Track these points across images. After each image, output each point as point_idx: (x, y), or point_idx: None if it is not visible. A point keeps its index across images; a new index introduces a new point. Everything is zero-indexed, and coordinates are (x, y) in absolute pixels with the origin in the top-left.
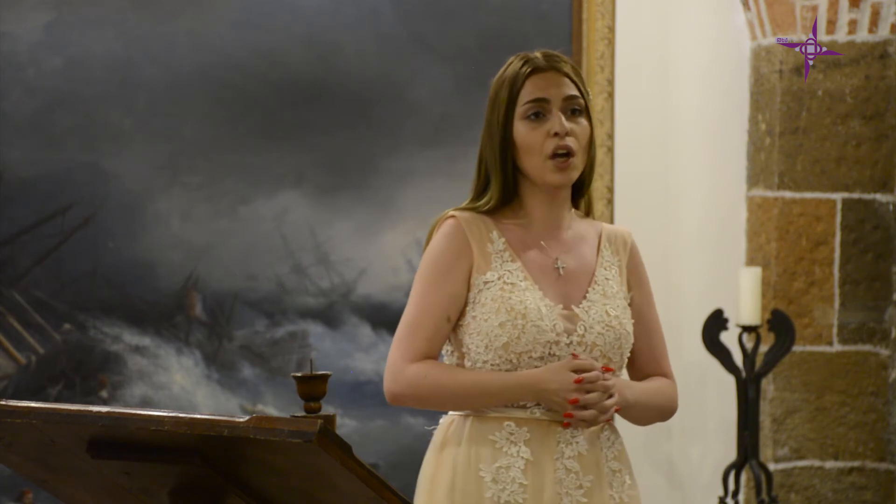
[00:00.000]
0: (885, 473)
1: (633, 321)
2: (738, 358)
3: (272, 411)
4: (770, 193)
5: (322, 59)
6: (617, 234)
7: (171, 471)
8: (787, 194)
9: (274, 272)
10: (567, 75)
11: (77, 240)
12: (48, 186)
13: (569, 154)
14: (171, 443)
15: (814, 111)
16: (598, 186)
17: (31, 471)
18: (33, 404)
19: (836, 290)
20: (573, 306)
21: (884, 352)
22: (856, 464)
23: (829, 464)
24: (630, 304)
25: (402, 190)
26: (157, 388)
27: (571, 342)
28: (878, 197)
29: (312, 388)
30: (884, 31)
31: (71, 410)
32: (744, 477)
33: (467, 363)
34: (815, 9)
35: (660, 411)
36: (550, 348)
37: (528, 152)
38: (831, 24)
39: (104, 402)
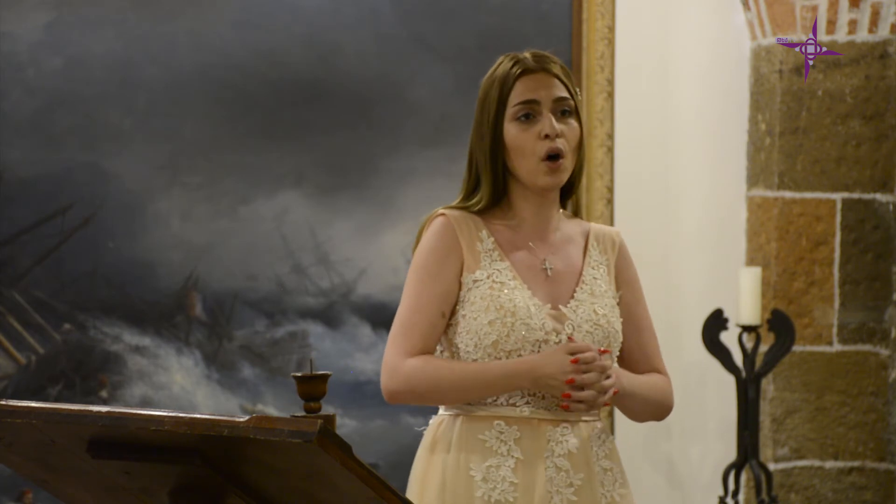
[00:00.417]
0: (885, 473)
1: (622, 319)
2: (738, 358)
3: (272, 411)
4: (770, 193)
5: (322, 59)
6: (605, 234)
7: (171, 471)
8: (787, 194)
9: (274, 272)
10: (557, 76)
11: (77, 240)
12: (48, 186)
13: (559, 156)
14: (171, 443)
15: (814, 111)
16: (598, 186)
17: (31, 471)
18: (33, 404)
19: (836, 290)
20: (561, 306)
21: (884, 352)
22: (856, 464)
23: (829, 464)
24: (619, 303)
25: (402, 190)
26: (157, 388)
27: (560, 341)
28: (878, 197)
29: (312, 388)
30: (884, 31)
31: (71, 410)
32: (744, 477)
33: None
34: (815, 9)
35: (656, 405)
36: (539, 347)
37: (518, 154)
38: (831, 24)
39: (104, 402)
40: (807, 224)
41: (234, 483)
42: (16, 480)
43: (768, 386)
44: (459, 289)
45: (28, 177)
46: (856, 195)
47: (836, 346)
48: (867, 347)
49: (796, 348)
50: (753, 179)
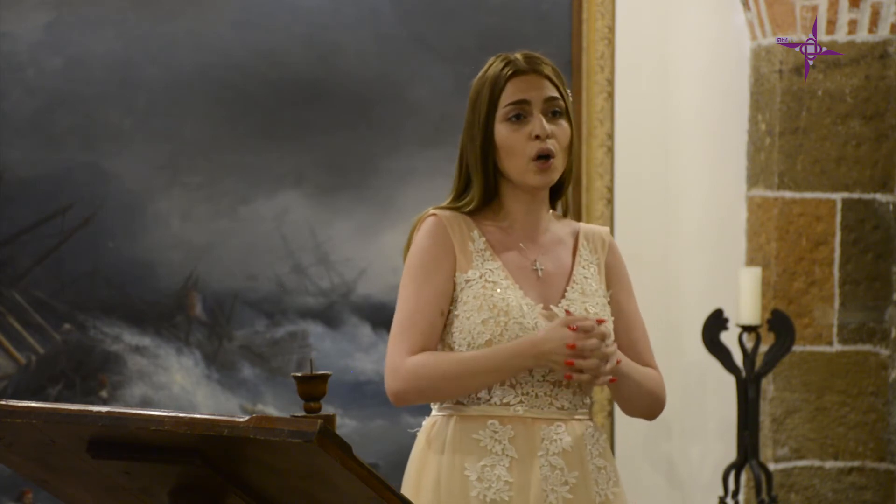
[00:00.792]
0: (885, 473)
1: (613, 317)
2: (738, 358)
3: (272, 411)
4: (770, 193)
5: (322, 59)
6: (595, 233)
7: (171, 471)
8: (787, 194)
9: (274, 272)
10: (547, 77)
11: (77, 240)
12: (48, 186)
13: (549, 156)
14: (171, 443)
15: (814, 111)
16: (598, 186)
17: (31, 471)
18: (33, 404)
19: (836, 290)
20: (552, 306)
21: (884, 352)
22: (856, 464)
23: (829, 464)
24: (610, 302)
25: (402, 190)
26: (157, 388)
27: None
28: (878, 197)
29: (312, 388)
30: (884, 31)
31: (71, 410)
32: (744, 477)
33: None
34: (815, 9)
35: (651, 397)
36: None
37: (509, 154)
38: (831, 24)
39: (104, 402)
40: (807, 224)
41: (234, 483)
42: (16, 480)
43: (768, 386)
44: (453, 288)
45: (28, 177)
46: (856, 195)
47: (836, 346)
48: (867, 347)
49: (796, 348)
50: (753, 179)
